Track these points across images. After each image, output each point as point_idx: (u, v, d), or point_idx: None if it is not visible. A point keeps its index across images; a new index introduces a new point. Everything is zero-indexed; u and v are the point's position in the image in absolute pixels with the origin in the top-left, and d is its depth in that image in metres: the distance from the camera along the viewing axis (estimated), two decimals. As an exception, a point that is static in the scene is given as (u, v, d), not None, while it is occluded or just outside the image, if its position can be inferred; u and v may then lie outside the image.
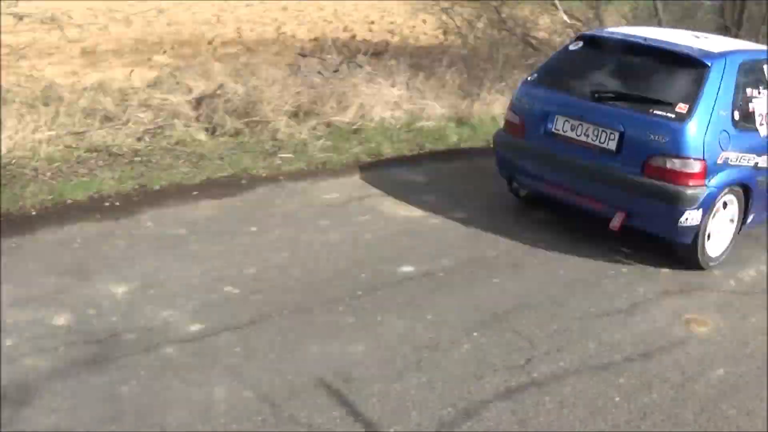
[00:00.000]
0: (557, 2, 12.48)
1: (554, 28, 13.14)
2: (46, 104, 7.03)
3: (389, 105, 8.50)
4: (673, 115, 5.30)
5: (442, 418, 3.47)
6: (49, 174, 5.93)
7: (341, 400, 3.51)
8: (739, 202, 5.76)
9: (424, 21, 11.62)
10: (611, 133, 5.48)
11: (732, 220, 5.81)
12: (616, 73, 5.91)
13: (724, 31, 15.34)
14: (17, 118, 6.48)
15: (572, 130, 5.68)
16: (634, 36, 6.14)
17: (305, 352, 3.85)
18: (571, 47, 6.28)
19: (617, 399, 3.77)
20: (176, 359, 3.70)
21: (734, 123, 5.52)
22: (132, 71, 9.05)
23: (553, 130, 5.79)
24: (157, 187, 5.97)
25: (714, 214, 5.52)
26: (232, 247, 5.01)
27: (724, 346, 4.48)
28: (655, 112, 5.38)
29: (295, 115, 7.92)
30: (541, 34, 13.05)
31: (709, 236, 5.57)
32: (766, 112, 5.84)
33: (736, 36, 13.75)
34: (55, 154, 6.25)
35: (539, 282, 4.99)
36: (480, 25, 12.27)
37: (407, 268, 4.93)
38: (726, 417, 3.75)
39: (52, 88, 7.59)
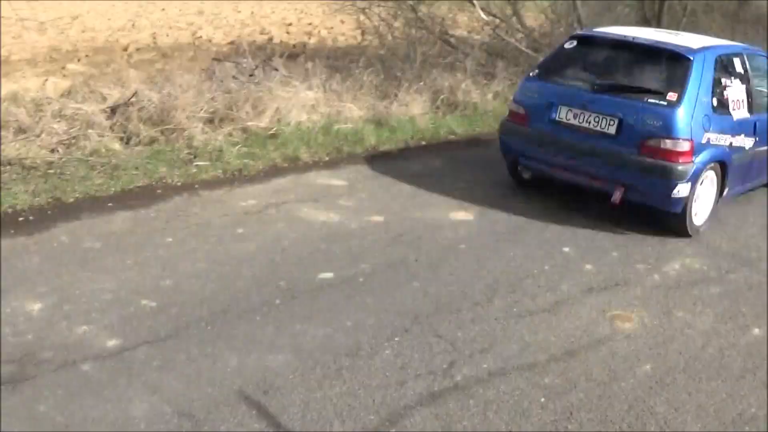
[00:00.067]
0: (475, 1, 12.67)
1: (472, 26, 13.35)
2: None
3: (306, 108, 8.53)
4: (665, 103, 6.39)
5: (365, 425, 3.52)
6: (-41, 190, 5.83)
7: (262, 412, 3.55)
8: (717, 177, 6.86)
9: (343, 21, 11.72)
10: (611, 120, 6.53)
11: (712, 193, 6.87)
12: (610, 68, 7.08)
13: (645, 23, 15.81)
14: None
15: (575, 118, 6.73)
16: (622, 35, 7.26)
17: (225, 364, 3.87)
18: (566, 46, 7.39)
19: (542, 400, 3.86)
20: (93, 376, 3.69)
21: (713, 108, 6.63)
22: (46, 81, 8.95)
23: (556, 118, 6.84)
24: (71, 200, 5.93)
25: (698, 187, 6.56)
26: (148, 260, 5.00)
27: (650, 341, 4.61)
28: (649, 100, 6.47)
29: (210, 121, 7.91)
30: (459, 32, 13.23)
31: (694, 207, 6.62)
32: (736, 98, 6.99)
33: (659, 26, 14.29)
34: (-35, 170, 6.15)
35: (460, 284, 5.07)
36: (397, 24, 12.41)
37: (326, 275, 4.99)
38: (654, 413, 3.85)
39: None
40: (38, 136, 6.87)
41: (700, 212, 6.76)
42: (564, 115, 6.81)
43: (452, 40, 12.65)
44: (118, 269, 4.82)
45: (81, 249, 5.10)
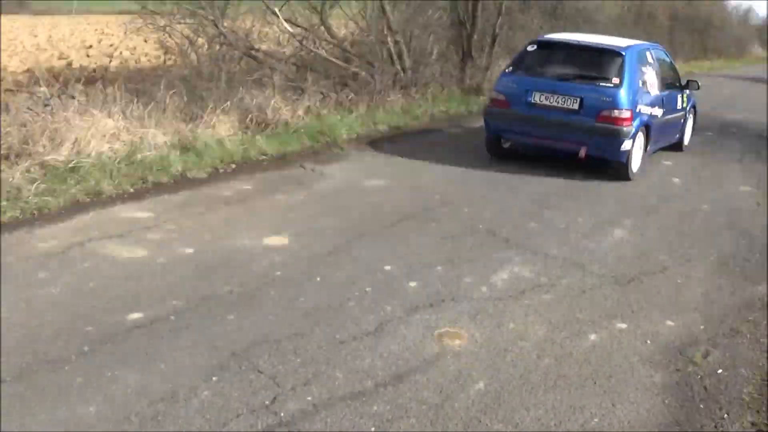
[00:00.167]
0: (278, 12, 12.72)
1: (278, 39, 13.40)
2: None
3: (106, 137, 8.34)
4: (611, 85, 9.70)
5: (186, 473, 3.48)
6: None
7: (72, 470, 3.46)
8: (644, 137, 10.25)
9: (146, 40, 11.52)
10: (574, 99, 9.76)
11: (641, 148, 10.24)
12: (566, 63, 10.36)
13: (460, 25, 16.33)
14: None
15: (546, 99, 9.91)
16: (570, 39, 10.92)
17: (32, 421, 3.72)
18: (529, 49, 10.63)
19: (372, 429, 3.87)
20: None
21: (640, 88, 10.04)
22: None
23: (532, 101, 9.99)
24: None
25: (635, 143, 9.88)
26: (-65, 315, 4.77)
27: (482, 357, 4.69)
28: (600, 84, 9.79)
29: (6, 158, 7.59)
30: (266, 46, 13.26)
31: (632, 157, 9.92)
32: (651, 81, 10.52)
33: (473, 27, 14.83)
34: None
35: (279, 314, 5.06)
36: (201, 41, 12.32)
37: (136, 315, 4.88)
38: (492, 432, 3.93)
39: None
40: None
41: (634, 162, 10.10)
42: (538, 98, 9.99)
43: (259, 55, 12.66)
44: None
45: None
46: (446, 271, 6.06)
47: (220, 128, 9.50)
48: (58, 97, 9.07)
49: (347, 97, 12.55)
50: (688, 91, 12.39)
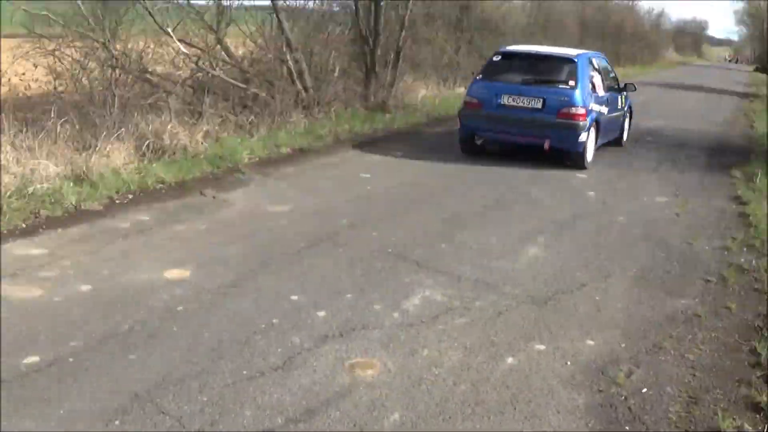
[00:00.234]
0: (171, 32, 12.62)
1: (173, 60, 13.28)
2: None
3: (-6, 171, 8.19)
4: (568, 87, 12.07)
5: None
6: None
7: None
8: (595, 132, 12.55)
9: (36, 65, 11.28)
10: (538, 100, 12.08)
11: (593, 141, 12.58)
12: (528, 70, 12.72)
13: (362, 40, 16.43)
14: None
15: (514, 101, 12.21)
16: (529, 50, 13.66)
17: None
18: (494, 59, 13.05)
19: None
20: None
21: (590, 89, 12.37)
22: None
23: (501, 103, 12.30)
24: None
25: (589, 136, 12.19)
26: None
27: (396, 387, 4.70)
28: (559, 86, 12.18)
29: None
30: (161, 69, 13.13)
31: (587, 148, 12.29)
32: (598, 83, 12.84)
33: (375, 41, 14.95)
34: None
35: (183, 351, 5.02)
36: (92, 65, 12.13)
37: (32, 359, 4.78)
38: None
39: None
40: None
41: (589, 153, 12.52)
42: (506, 100, 12.33)
43: (153, 78, 12.55)
44: None
45: None
46: (356, 298, 6.09)
47: (115, 157, 9.39)
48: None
49: (247, 119, 12.53)
50: (625, 93, 14.94)
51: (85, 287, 6.01)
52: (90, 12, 11.79)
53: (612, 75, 14.62)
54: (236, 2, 13.94)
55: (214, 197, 9.04)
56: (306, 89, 14.43)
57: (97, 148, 9.39)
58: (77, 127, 9.95)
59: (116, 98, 10.85)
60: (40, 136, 9.23)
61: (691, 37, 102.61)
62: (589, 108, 12.17)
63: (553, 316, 6.02)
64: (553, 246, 7.93)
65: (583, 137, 12.00)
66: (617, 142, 14.82)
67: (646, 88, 30.48)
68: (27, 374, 4.63)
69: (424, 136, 15.25)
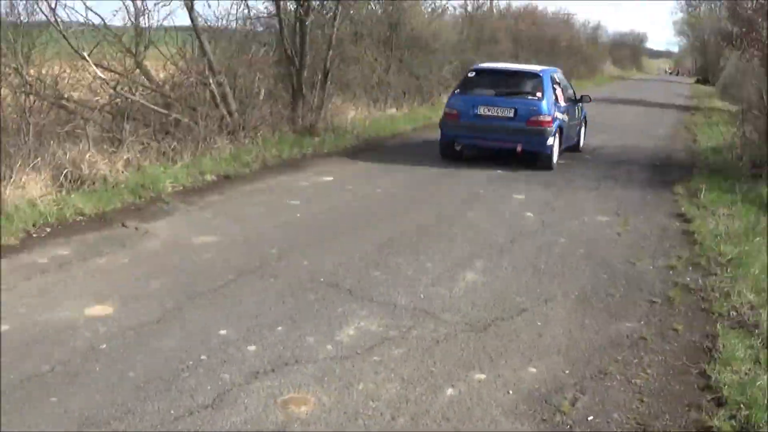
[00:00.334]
0: (87, 57, 12.52)
1: (91, 86, 13.15)
2: None
3: None
4: (536, 98, 14.44)
5: None
6: None
7: None
8: (559, 137, 14.80)
9: (-53, 93, 11.13)
10: (510, 110, 14.36)
11: (558, 145, 14.79)
12: (500, 84, 15.10)
13: (288, 61, 16.46)
14: None
15: (489, 111, 14.51)
16: (501, 67, 17.10)
17: None
18: (470, 75, 15.53)
19: None
20: None
21: (554, 100, 14.58)
22: None
23: (478, 113, 14.61)
24: None
25: (555, 140, 14.42)
26: None
27: (332, 423, 4.70)
28: (528, 97, 14.52)
29: None
30: (78, 94, 13.00)
31: (554, 151, 14.52)
32: (559, 94, 15.21)
33: (302, 62, 15.01)
34: None
35: (107, 391, 4.97)
36: (4, 92, 11.96)
37: (-54, 407, 4.72)
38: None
39: None
40: None
41: (555, 155, 14.85)
42: (482, 110, 14.71)
43: (69, 104, 12.42)
44: None
45: None
46: (287, 331, 6.09)
47: (31, 187, 9.28)
48: None
49: (170, 146, 12.45)
50: (581, 104, 17.48)
51: (3, 327, 5.91)
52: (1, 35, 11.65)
53: (569, 88, 17.36)
54: (155, 23, 13.88)
55: (136, 228, 8.97)
56: (230, 113, 14.39)
57: (12, 179, 9.25)
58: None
59: (31, 126, 10.70)
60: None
61: (629, 50, 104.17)
62: (554, 116, 14.64)
63: (494, 343, 6.06)
64: (492, 270, 8.01)
65: (550, 141, 14.47)
66: (575, 147, 17.34)
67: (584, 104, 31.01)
68: (-60, 422, 4.55)
69: (354, 159, 15.29)
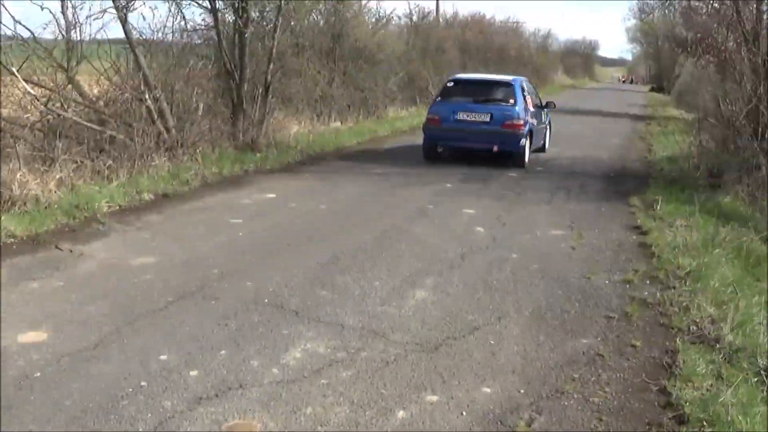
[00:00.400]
0: (16, 72, 12.42)
1: (21, 102, 13.05)
2: None
3: None
4: (509, 104, 17.17)
5: None
6: None
7: None
8: (529, 138, 17.41)
9: None
10: (486, 115, 17.01)
11: (529, 146, 17.44)
12: (477, 92, 17.77)
13: (227, 75, 16.43)
14: None
15: (468, 116, 17.09)
16: (476, 77, 20.64)
17: None
18: (449, 85, 18.27)
19: None
20: None
21: (525, 106, 17.29)
22: None
23: (458, 118, 17.13)
24: None
25: (527, 141, 17.17)
26: None
27: None
28: (502, 104, 17.26)
29: None
30: (6, 111, 12.89)
31: (525, 151, 17.22)
32: (529, 101, 17.85)
33: (241, 75, 15.01)
34: None
35: (41, 422, 4.89)
36: None
37: None
38: None
39: None
40: None
41: (526, 155, 17.26)
42: (461, 116, 17.15)
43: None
44: None
45: None
46: (231, 354, 6.08)
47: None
48: None
49: (105, 164, 12.39)
50: (546, 110, 20.38)
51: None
52: None
53: (537, 95, 20.18)
54: (87, 37, 13.79)
55: (71, 251, 8.90)
56: (168, 130, 14.35)
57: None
58: None
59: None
60: None
61: (581, 58, 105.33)
62: (526, 120, 17.24)
63: (445, 363, 6.09)
64: (442, 288, 8.05)
65: (522, 142, 17.03)
66: (542, 149, 20.13)
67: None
68: None
69: (297, 175, 15.31)
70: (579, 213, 12.19)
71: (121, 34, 14.38)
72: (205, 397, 5.34)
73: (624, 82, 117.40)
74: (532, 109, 18.06)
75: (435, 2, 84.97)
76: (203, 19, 18.90)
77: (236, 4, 16.90)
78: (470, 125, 17.13)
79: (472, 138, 17.22)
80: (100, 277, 8.01)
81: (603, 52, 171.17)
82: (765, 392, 5.67)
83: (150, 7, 27.61)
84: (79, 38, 13.45)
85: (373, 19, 30.14)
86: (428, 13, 40.63)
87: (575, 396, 5.62)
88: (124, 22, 14.06)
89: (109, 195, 11.32)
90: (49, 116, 12.83)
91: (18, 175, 10.40)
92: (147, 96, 13.86)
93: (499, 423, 5.15)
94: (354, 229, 10.47)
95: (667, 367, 6.17)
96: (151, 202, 11.87)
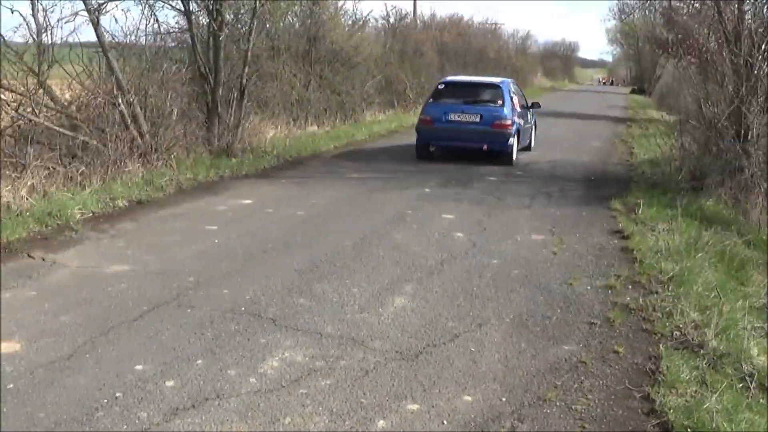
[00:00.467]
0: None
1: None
2: None
3: None
4: (498, 105, 18.51)
5: None
6: None
7: None
8: (517, 137, 18.70)
9: None
10: (476, 115, 18.32)
11: (516, 144, 18.69)
12: (467, 93, 19.16)
13: (201, 78, 16.39)
14: None
15: (458, 117, 18.43)
16: (465, 79, 21.33)
17: None
18: (440, 87, 19.53)
19: None
20: None
21: (512, 107, 18.61)
22: None
23: (449, 119, 18.45)
24: None
25: (514, 140, 18.46)
26: None
27: None
28: (491, 105, 18.61)
29: None
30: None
31: (514, 149, 18.52)
32: (516, 102, 19.22)
33: (216, 79, 14.93)
34: None
35: (17, 434, 4.91)
36: None
37: None
38: None
39: None
40: None
41: (514, 153, 18.48)
42: (453, 116, 18.37)
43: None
44: None
45: None
46: (208, 364, 6.08)
47: None
48: None
49: (78, 170, 12.36)
50: (532, 110, 21.73)
51: None
52: None
53: (523, 96, 21.39)
54: (59, 40, 13.74)
55: (43, 259, 8.89)
56: (142, 135, 14.32)
57: None
58: None
59: None
60: None
61: (561, 60, 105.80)
62: (513, 120, 18.51)
63: (426, 371, 6.10)
64: (422, 294, 8.07)
65: (511, 141, 18.34)
66: (528, 147, 21.51)
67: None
68: None
69: (274, 181, 15.32)
70: (560, 217, 12.23)
71: (93, 38, 14.36)
72: (181, 408, 5.34)
73: (604, 84, 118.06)
74: (518, 109, 19.39)
75: (412, 3, 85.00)
76: (177, 22, 18.94)
77: (210, 7, 16.87)
78: (461, 125, 18.47)
79: (463, 138, 18.55)
80: (74, 287, 8.00)
81: (583, 53, 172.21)
82: (750, 398, 5.72)
83: (122, 10, 27.68)
84: (50, 42, 13.39)
85: (350, 21, 30.23)
86: (405, 14, 40.73)
87: (557, 404, 5.63)
88: (96, 25, 14.03)
89: (82, 202, 11.30)
90: (20, 122, 12.77)
91: (-11, 182, 10.37)
92: (120, 100, 13.83)
93: (481, 432, 5.16)
94: (332, 235, 10.48)
95: (651, 374, 6.20)
96: (125, 209, 11.86)
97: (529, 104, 21.58)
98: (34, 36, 13.35)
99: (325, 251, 9.63)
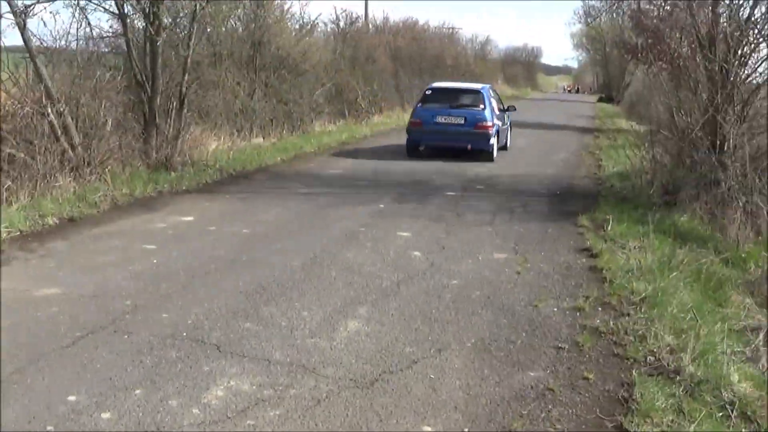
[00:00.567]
0: None
1: None
2: None
3: None
4: (480, 108, 22.88)
5: None
6: None
7: None
8: (496, 137, 23.07)
9: None
10: (461, 118, 22.56)
11: (497, 144, 23.23)
12: (452, 98, 23.64)
13: (138, 86, 16.31)
14: None
15: (445, 119, 22.64)
16: (450, 85, 26.74)
17: None
18: (427, 93, 24.05)
19: None
20: None
21: (492, 110, 23.03)
22: None
23: (437, 121, 22.66)
24: None
25: (495, 140, 23.07)
26: None
27: None
28: (473, 108, 22.93)
29: None
30: None
31: (494, 148, 22.94)
32: (495, 105, 24.05)
33: (154, 87, 14.81)
34: None
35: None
36: None
37: None
38: None
39: None
40: None
41: (495, 152, 22.92)
42: (440, 119, 22.57)
43: None
44: None
45: None
46: (147, 394, 6.04)
47: None
48: None
49: (3, 185, 12.27)
50: (508, 113, 26.03)
51: None
52: None
53: (500, 100, 25.72)
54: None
55: (-35, 282, 8.81)
56: (73, 147, 14.21)
57: None
58: None
59: None
60: None
61: (523, 67, 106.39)
62: (494, 122, 22.38)
63: (382, 400, 6.09)
64: (377, 318, 8.06)
65: (492, 141, 22.25)
66: (504, 147, 25.18)
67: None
68: None
69: (217, 196, 15.27)
70: (524, 235, 12.28)
71: (19, 42, 14.22)
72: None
73: (570, 91, 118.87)
74: (497, 112, 23.64)
75: (363, 6, 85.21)
76: (111, 26, 18.84)
77: (147, 9, 16.75)
78: (448, 127, 22.44)
79: (449, 138, 22.52)
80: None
81: (546, 59, 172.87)
82: (731, 428, 5.76)
83: (51, 12, 27.31)
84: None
85: (297, 26, 30.19)
86: (356, 18, 40.77)
87: (523, 434, 5.64)
88: (22, 28, 13.91)
89: (9, 219, 11.21)
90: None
91: None
92: (49, 110, 13.73)
93: (442, 464, 5.17)
94: (280, 254, 10.46)
95: (624, 402, 6.21)
96: (56, 227, 11.77)
97: (506, 107, 26.22)
98: (-44, 40, 13.24)
99: (273, 272, 9.61)
